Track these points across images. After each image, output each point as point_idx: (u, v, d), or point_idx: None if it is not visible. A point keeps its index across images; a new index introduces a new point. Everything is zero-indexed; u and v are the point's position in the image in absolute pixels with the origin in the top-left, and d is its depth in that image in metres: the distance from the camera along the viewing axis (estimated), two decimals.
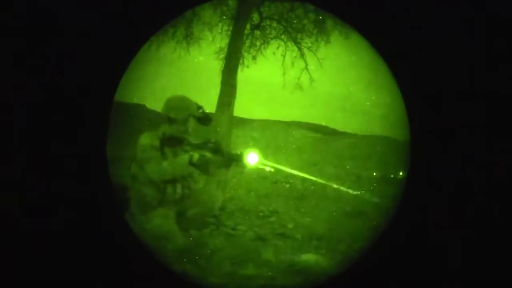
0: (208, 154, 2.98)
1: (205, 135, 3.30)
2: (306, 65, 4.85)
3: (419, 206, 3.04)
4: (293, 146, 6.56)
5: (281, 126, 6.80)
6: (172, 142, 2.99)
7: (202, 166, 3.00)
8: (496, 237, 2.95)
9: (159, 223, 3.01)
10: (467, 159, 3.02)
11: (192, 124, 2.95)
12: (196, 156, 2.96)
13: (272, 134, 5.65)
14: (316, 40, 4.77)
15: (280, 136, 6.59)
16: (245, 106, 5.03)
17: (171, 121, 2.93)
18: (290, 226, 3.78)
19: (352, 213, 4.08)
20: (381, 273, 2.98)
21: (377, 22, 3.04)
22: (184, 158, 2.95)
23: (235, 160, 3.02)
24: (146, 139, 2.93)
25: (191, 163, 2.95)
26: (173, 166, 2.91)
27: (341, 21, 4.48)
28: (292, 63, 4.88)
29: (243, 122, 5.17)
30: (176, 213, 3.07)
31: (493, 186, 2.99)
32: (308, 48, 4.82)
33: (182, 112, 2.91)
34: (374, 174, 5.18)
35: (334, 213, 3.88)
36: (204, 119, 2.99)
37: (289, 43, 4.88)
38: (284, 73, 4.90)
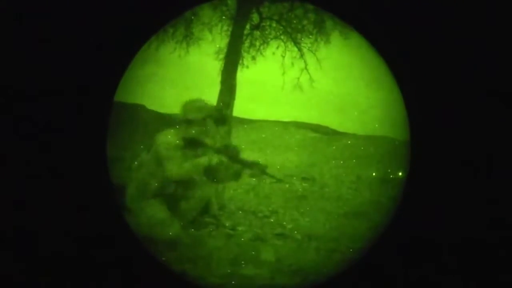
0: (225, 160, 3.00)
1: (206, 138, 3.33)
2: (306, 65, 4.85)
3: (419, 206, 3.03)
4: (293, 147, 6.57)
5: (281, 126, 6.80)
6: (194, 144, 3.05)
7: (217, 172, 3.03)
8: (495, 237, 2.95)
9: (153, 213, 3.04)
10: (467, 159, 3.01)
11: (210, 125, 3.02)
12: (214, 160, 2.99)
13: (271, 134, 5.66)
14: (316, 40, 4.78)
15: (280, 137, 6.60)
16: (244, 106, 5.03)
17: (189, 123, 3.00)
18: (289, 226, 3.77)
19: (352, 214, 4.08)
20: (381, 273, 2.98)
21: (377, 22, 3.04)
22: (202, 161, 2.98)
23: (250, 168, 3.04)
24: (171, 137, 3.00)
25: (208, 167, 2.98)
26: (191, 168, 2.96)
27: (340, 21, 4.48)
28: (292, 63, 4.88)
29: (242, 122, 5.18)
30: (169, 205, 3.09)
31: (493, 185, 2.98)
32: (308, 48, 4.83)
33: (199, 113, 2.98)
34: (374, 174, 5.18)
35: (333, 214, 3.87)
36: (221, 119, 3.03)
37: (288, 43, 4.88)
38: (283, 73, 4.90)
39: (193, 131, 3.02)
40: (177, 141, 2.99)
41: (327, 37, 4.74)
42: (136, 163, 3.14)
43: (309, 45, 4.80)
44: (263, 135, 5.89)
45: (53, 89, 2.89)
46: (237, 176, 3.10)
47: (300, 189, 4.73)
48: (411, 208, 3.06)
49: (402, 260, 3.00)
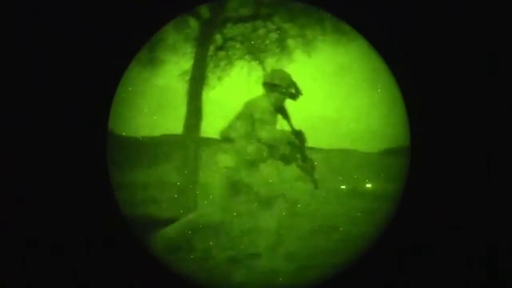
0: (296, 142, 3.32)
1: None
2: None
3: (419, 209, 3.03)
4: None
5: None
6: (282, 113, 3.36)
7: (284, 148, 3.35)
8: (495, 238, 2.95)
9: None
10: (467, 160, 3.02)
11: (288, 94, 3.35)
12: (291, 138, 3.33)
13: None
14: (279, 59, 4.85)
15: None
16: (213, 126, 5.03)
17: (275, 87, 3.32)
18: (263, 245, 3.74)
19: (325, 228, 4.09)
20: (380, 275, 2.98)
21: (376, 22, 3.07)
22: (283, 133, 3.32)
23: (303, 161, 3.35)
24: (266, 102, 3.30)
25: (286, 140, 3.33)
26: (280, 135, 3.27)
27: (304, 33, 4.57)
28: (257, 82, 4.92)
29: (212, 142, 5.16)
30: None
31: (493, 186, 2.99)
32: (272, 66, 4.88)
33: (285, 80, 3.32)
34: (344, 187, 5.22)
35: (306, 230, 3.87)
36: (296, 94, 3.38)
37: (253, 63, 4.94)
38: (249, 92, 4.93)
39: (273, 97, 3.32)
40: (270, 107, 3.28)
41: (290, 56, 4.81)
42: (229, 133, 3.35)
43: (273, 63, 4.86)
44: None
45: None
46: (288, 161, 3.34)
47: None
48: (412, 213, 3.07)
49: (402, 261, 3.01)
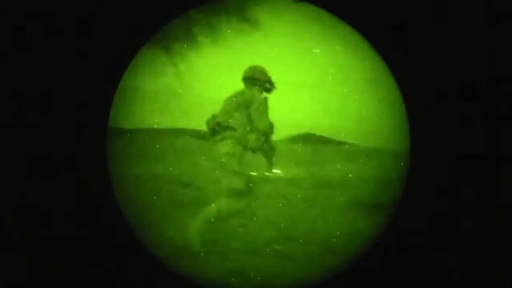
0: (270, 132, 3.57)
1: None
2: (178, 71, 4.89)
3: (419, 209, 3.09)
4: (181, 153, 6.56)
5: (167, 134, 6.69)
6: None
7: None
8: (495, 237, 3.07)
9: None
10: (467, 161, 3.09)
11: (264, 88, 3.61)
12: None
13: (153, 142, 5.61)
14: (186, 46, 4.85)
15: (166, 144, 6.51)
16: (121, 115, 4.92)
17: (255, 81, 3.58)
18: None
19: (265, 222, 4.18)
20: (380, 275, 3.04)
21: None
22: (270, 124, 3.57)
23: (262, 151, 3.57)
24: (260, 95, 3.58)
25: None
26: (269, 126, 3.54)
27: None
28: (164, 70, 4.90)
29: (122, 132, 5.06)
30: None
31: (493, 187, 3.10)
32: (179, 54, 4.88)
33: (262, 75, 3.61)
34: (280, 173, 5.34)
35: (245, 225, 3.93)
36: (270, 88, 3.65)
37: (160, 50, 4.90)
38: (157, 81, 4.90)
39: (257, 91, 3.57)
40: (263, 99, 3.57)
41: (196, 44, 4.84)
42: (231, 120, 3.53)
43: (180, 51, 4.86)
44: (147, 143, 5.81)
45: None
46: (255, 150, 3.58)
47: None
48: (410, 212, 3.14)
49: (403, 262, 3.10)
